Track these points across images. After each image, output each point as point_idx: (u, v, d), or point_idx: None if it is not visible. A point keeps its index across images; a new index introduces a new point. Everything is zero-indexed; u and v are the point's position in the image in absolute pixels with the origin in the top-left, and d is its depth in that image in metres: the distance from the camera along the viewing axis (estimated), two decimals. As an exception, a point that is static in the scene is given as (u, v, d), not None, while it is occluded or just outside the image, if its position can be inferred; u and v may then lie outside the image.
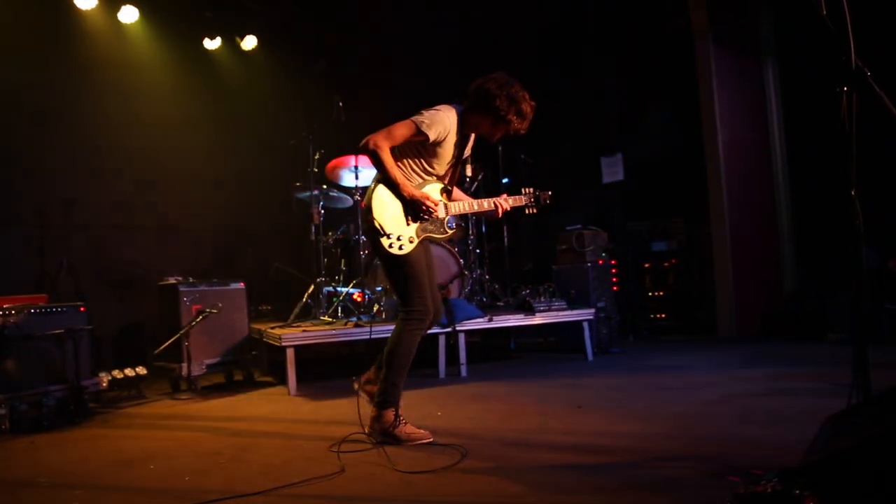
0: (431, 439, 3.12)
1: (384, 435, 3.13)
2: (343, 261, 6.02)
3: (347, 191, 6.11)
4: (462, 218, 6.20)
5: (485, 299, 6.16)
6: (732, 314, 6.91)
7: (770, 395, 3.86)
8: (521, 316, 5.56)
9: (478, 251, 6.35)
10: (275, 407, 4.34)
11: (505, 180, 7.04)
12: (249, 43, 7.91)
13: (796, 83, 7.18)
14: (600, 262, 6.42)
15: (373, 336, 4.36)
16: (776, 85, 7.39)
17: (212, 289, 5.21)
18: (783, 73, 7.37)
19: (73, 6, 6.50)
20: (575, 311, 5.77)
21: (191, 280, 5.21)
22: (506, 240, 6.89)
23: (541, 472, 2.57)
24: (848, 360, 2.34)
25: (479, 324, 5.32)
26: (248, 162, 7.80)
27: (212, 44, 7.71)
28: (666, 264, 7.58)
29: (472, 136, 3.38)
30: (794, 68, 7.23)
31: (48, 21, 6.46)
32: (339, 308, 5.60)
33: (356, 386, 3.41)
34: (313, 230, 5.87)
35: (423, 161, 3.21)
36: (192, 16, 7.48)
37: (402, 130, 3.07)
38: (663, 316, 7.51)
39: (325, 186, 6.02)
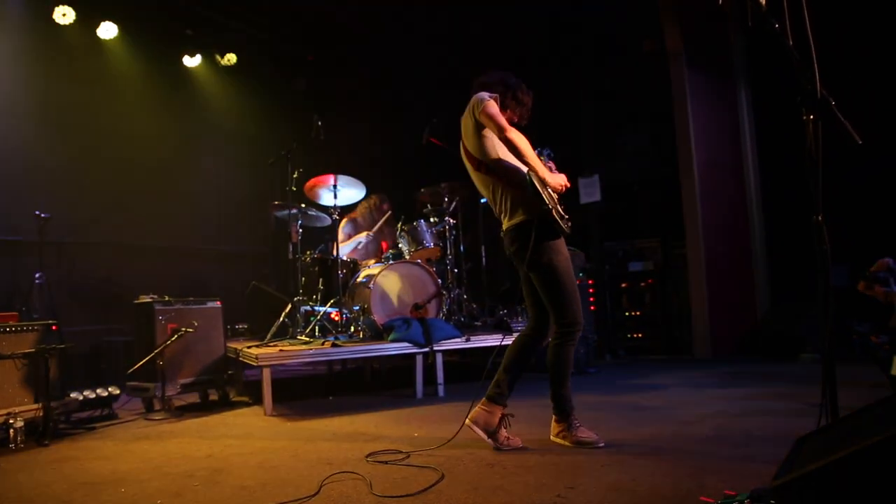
0: (602, 443, 3.26)
1: (564, 439, 3.33)
2: (321, 280, 6.00)
3: (326, 209, 6.11)
4: (440, 237, 6.22)
5: (463, 319, 6.17)
6: (707, 334, 6.98)
7: (744, 415, 3.90)
8: (499, 335, 5.57)
9: (456, 271, 6.37)
10: (250, 427, 4.30)
11: (483, 200, 7.08)
12: (229, 60, 7.91)
13: (769, 105, 7.33)
14: (577, 281, 6.45)
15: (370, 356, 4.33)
16: (749, 107, 7.54)
17: (188, 307, 5.16)
18: (756, 96, 7.52)
19: (52, 21, 6.46)
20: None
21: (166, 298, 5.16)
22: (483, 259, 6.92)
23: (516, 496, 2.57)
24: (819, 380, 2.38)
25: (457, 343, 5.32)
26: (227, 180, 7.78)
27: (191, 61, 7.71)
28: (642, 284, 7.66)
29: None
30: (766, 91, 7.39)
31: (26, 36, 6.41)
32: (317, 327, 5.58)
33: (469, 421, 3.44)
34: (291, 249, 5.85)
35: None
36: (172, 33, 7.47)
37: (495, 108, 3.27)
38: (640, 336, 7.58)
39: (303, 205, 6.01)
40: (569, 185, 3.44)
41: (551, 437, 3.41)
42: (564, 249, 3.39)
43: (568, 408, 3.38)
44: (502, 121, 3.25)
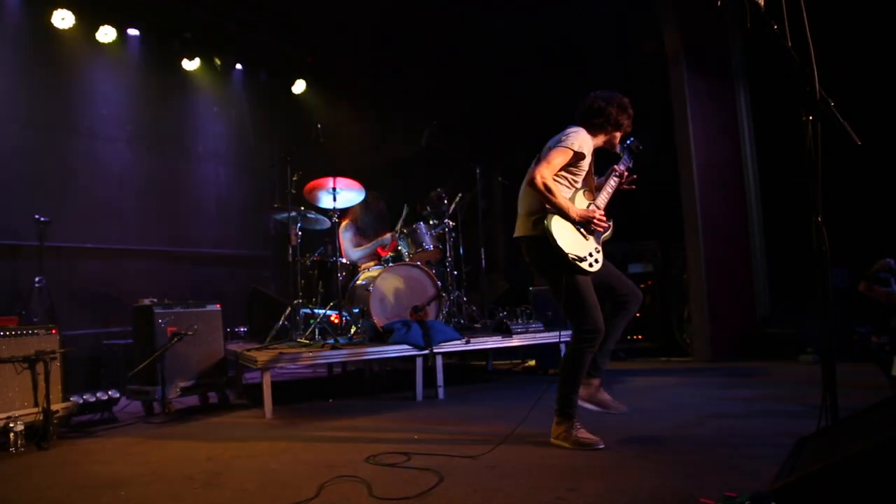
0: (602, 445, 3.26)
1: (565, 440, 3.34)
2: (320, 282, 6.00)
3: (325, 212, 6.10)
4: (440, 240, 6.23)
5: (462, 321, 6.16)
6: (707, 335, 6.96)
7: (744, 417, 3.89)
8: (499, 338, 5.57)
9: (455, 273, 6.37)
10: (250, 430, 4.29)
11: (483, 202, 7.09)
12: (228, 64, 7.92)
13: (769, 107, 7.33)
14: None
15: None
16: (749, 108, 7.53)
17: (187, 311, 5.15)
18: (755, 97, 7.52)
19: (51, 25, 6.47)
20: (552, 333, 5.78)
21: (166, 301, 5.15)
22: (483, 262, 6.92)
23: (516, 498, 2.57)
24: (819, 382, 2.37)
25: (457, 346, 5.32)
26: (226, 183, 7.78)
27: (190, 64, 7.70)
28: (642, 286, 7.63)
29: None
30: (766, 92, 7.39)
31: (24, 40, 6.41)
32: (317, 330, 5.57)
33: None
34: (290, 251, 5.84)
35: (569, 176, 3.48)
36: (171, 36, 7.47)
37: (559, 159, 3.38)
38: (639, 337, 7.56)
39: (302, 208, 6.01)
40: (600, 217, 3.44)
41: (551, 439, 3.41)
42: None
43: (571, 411, 3.39)
44: (545, 172, 3.32)
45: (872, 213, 6.15)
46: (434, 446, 3.47)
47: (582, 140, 3.42)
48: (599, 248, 3.50)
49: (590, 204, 3.52)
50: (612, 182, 3.63)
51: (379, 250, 6.77)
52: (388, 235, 6.62)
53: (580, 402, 3.46)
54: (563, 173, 3.45)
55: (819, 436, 2.25)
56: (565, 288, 3.35)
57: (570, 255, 3.31)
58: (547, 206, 3.36)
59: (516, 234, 3.57)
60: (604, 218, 3.47)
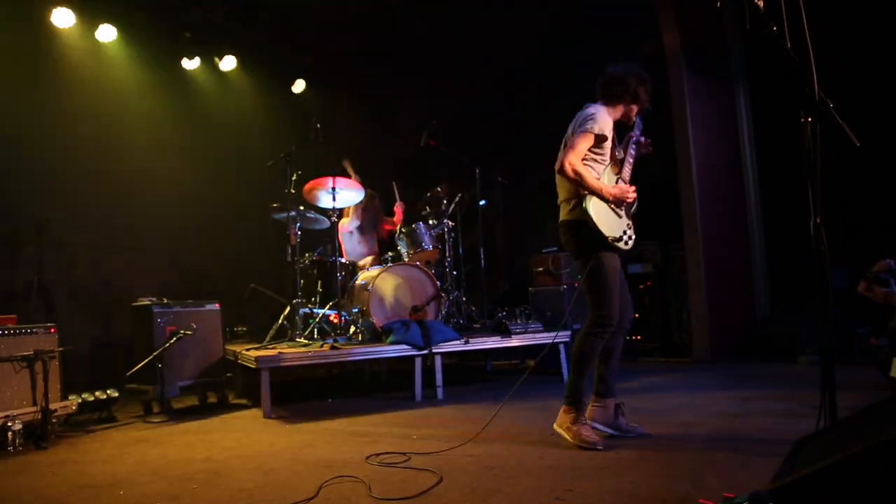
0: (601, 447, 3.25)
1: (567, 432, 3.35)
2: (320, 282, 5.99)
3: (324, 212, 6.10)
4: (439, 240, 6.23)
5: (461, 321, 6.16)
6: (707, 336, 6.96)
7: (743, 417, 3.89)
8: (498, 338, 5.57)
9: (454, 273, 6.37)
10: (249, 430, 4.29)
11: (482, 202, 7.09)
12: (228, 63, 7.91)
13: (768, 107, 7.33)
14: (576, 284, 6.46)
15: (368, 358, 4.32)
16: (748, 109, 7.54)
17: (186, 310, 5.15)
18: (755, 98, 7.52)
19: (50, 24, 6.46)
20: (551, 334, 5.78)
21: (165, 301, 5.15)
22: (482, 262, 6.92)
23: (515, 498, 2.57)
24: (818, 382, 2.37)
25: (456, 346, 5.32)
26: (226, 182, 7.76)
27: (190, 64, 7.69)
28: (641, 286, 7.64)
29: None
30: (765, 93, 7.39)
31: (24, 39, 6.40)
32: (316, 330, 5.57)
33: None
34: (290, 251, 5.84)
35: (596, 156, 3.54)
36: (171, 35, 7.46)
37: (583, 144, 3.44)
38: (639, 338, 7.56)
39: (302, 207, 6.00)
40: (632, 196, 3.52)
41: (554, 425, 3.41)
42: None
43: (580, 399, 3.39)
44: (573, 158, 3.38)
45: (872, 213, 6.15)
46: (433, 446, 3.47)
47: (601, 121, 3.47)
48: (630, 223, 3.56)
49: (617, 179, 3.57)
50: (633, 151, 3.67)
51: (386, 224, 6.79)
52: (362, 197, 6.57)
53: (594, 425, 3.47)
54: (590, 154, 3.50)
55: (818, 436, 2.25)
56: (593, 268, 3.42)
57: (609, 238, 3.38)
58: (582, 190, 3.41)
59: (560, 219, 3.63)
60: (633, 193, 3.54)
